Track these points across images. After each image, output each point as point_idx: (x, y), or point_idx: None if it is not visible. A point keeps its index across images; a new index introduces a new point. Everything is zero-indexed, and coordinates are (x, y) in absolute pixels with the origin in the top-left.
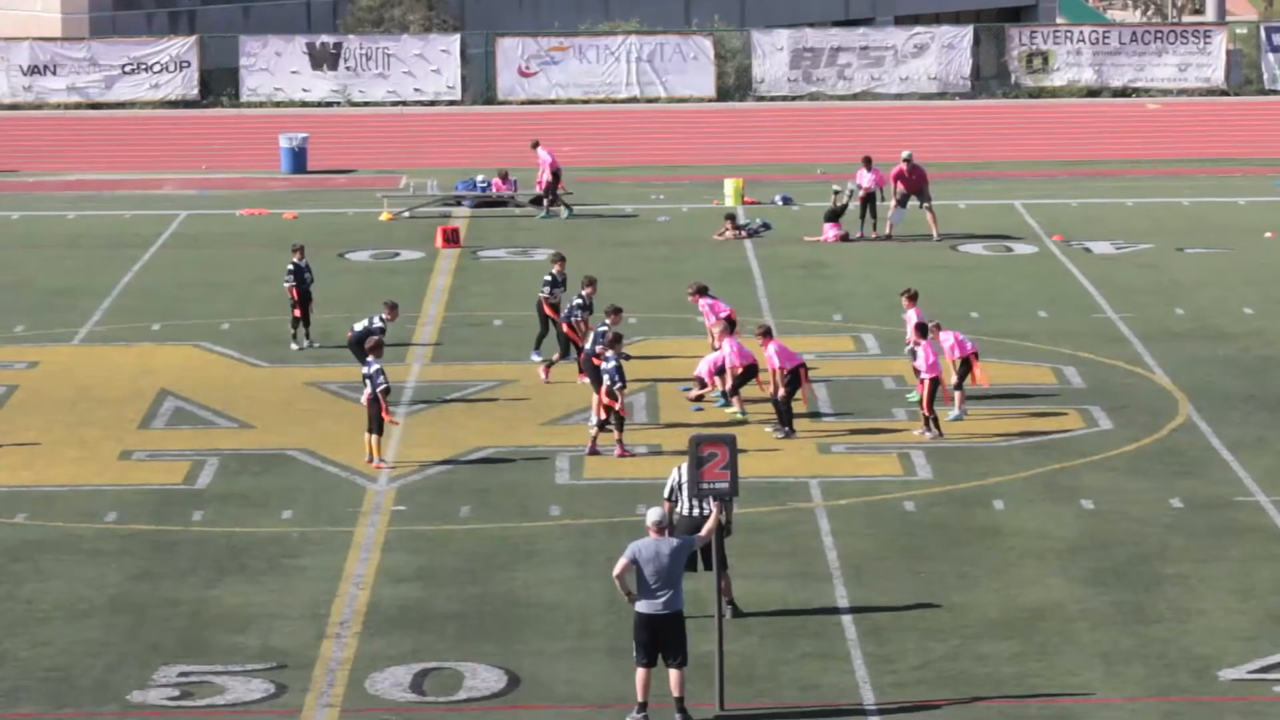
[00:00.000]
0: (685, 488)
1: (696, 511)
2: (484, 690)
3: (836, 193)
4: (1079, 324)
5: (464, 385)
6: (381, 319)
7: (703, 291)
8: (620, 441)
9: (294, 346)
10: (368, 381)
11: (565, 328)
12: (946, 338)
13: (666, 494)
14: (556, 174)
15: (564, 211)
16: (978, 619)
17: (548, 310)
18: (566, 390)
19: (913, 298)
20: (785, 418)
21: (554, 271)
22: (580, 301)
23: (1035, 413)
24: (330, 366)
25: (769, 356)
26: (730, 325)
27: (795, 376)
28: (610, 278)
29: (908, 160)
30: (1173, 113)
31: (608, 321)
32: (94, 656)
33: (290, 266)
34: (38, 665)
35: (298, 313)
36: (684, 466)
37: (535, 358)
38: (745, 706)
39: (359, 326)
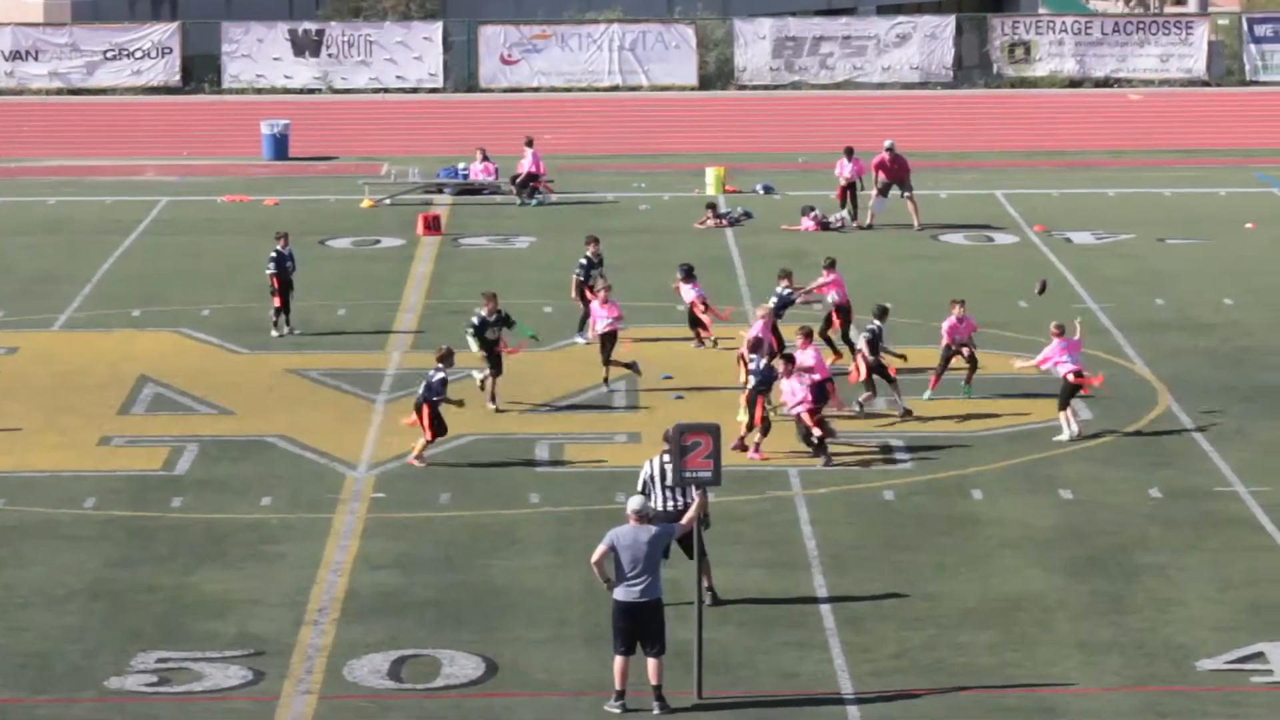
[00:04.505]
0: (658, 481)
1: (671, 505)
2: (462, 678)
3: (823, 217)
4: (1059, 314)
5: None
6: (480, 315)
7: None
8: (756, 444)
9: (274, 334)
10: (423, 384)
11: (575, 291)
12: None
13: (640, 488)
14: (534, 175)
15: (533, 201)
16: (956, 608)
17: (586, 293)
18: (548, 377)
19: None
20: (819, 448)
21: (589, 254)
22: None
23: (1015, 402)
24: (310, 353)
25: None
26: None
27: (822, 391)
28: None
29: (890, 150)
30: (1154, 103)
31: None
32: (72, 642)
33: (273, 254)
34: (15, 651)
35: (279, 301)
36: (656, 460)
37: (579, 340)
38: (723, 695)
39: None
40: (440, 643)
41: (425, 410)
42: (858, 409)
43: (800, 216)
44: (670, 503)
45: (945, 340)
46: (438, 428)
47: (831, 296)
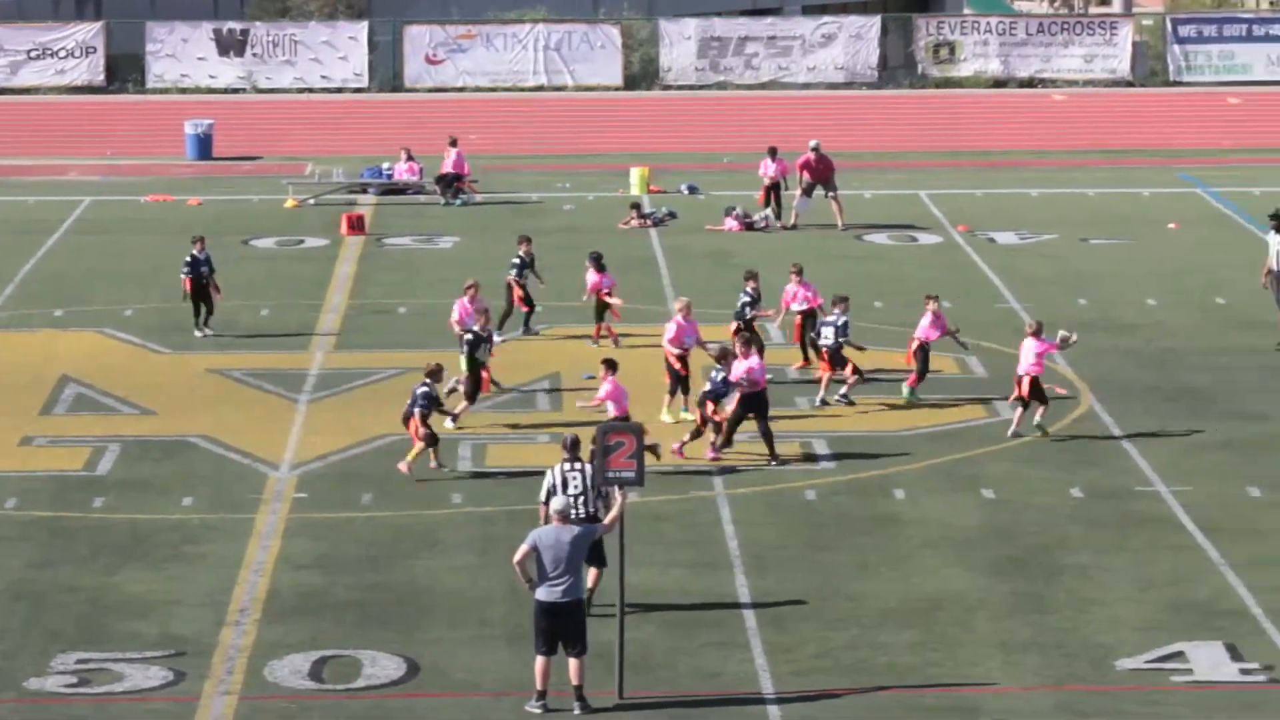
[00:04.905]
0: (560, 490)
1: (577, 513)
2: (383, 678)
3: (746, 216)
4: (982, 314)
5: (368, 373)
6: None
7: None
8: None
9: (197, 334)
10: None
11: (513, 289)
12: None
13: (543, 496)
14: (458, 175)
15: (457, 201)
16: (877, 608)
17: (516, 291)
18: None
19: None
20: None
21: (521, 253)
22: (519, 260)
23: (937, 402)
24: (233, 354)
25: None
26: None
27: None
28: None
29: (815, 150)
30: (1078, 104)
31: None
32: None
33: (188, 258)
34: None
35: (195, 304)
36: (558, 468)
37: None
38: (645, 695)
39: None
40: (362, 643)
41: (413, 421)
42: (843, 399)
43: (724, 216)
44: (572, 511)
45: (923, 338)
46: (428, 438)
47: (799, 305)
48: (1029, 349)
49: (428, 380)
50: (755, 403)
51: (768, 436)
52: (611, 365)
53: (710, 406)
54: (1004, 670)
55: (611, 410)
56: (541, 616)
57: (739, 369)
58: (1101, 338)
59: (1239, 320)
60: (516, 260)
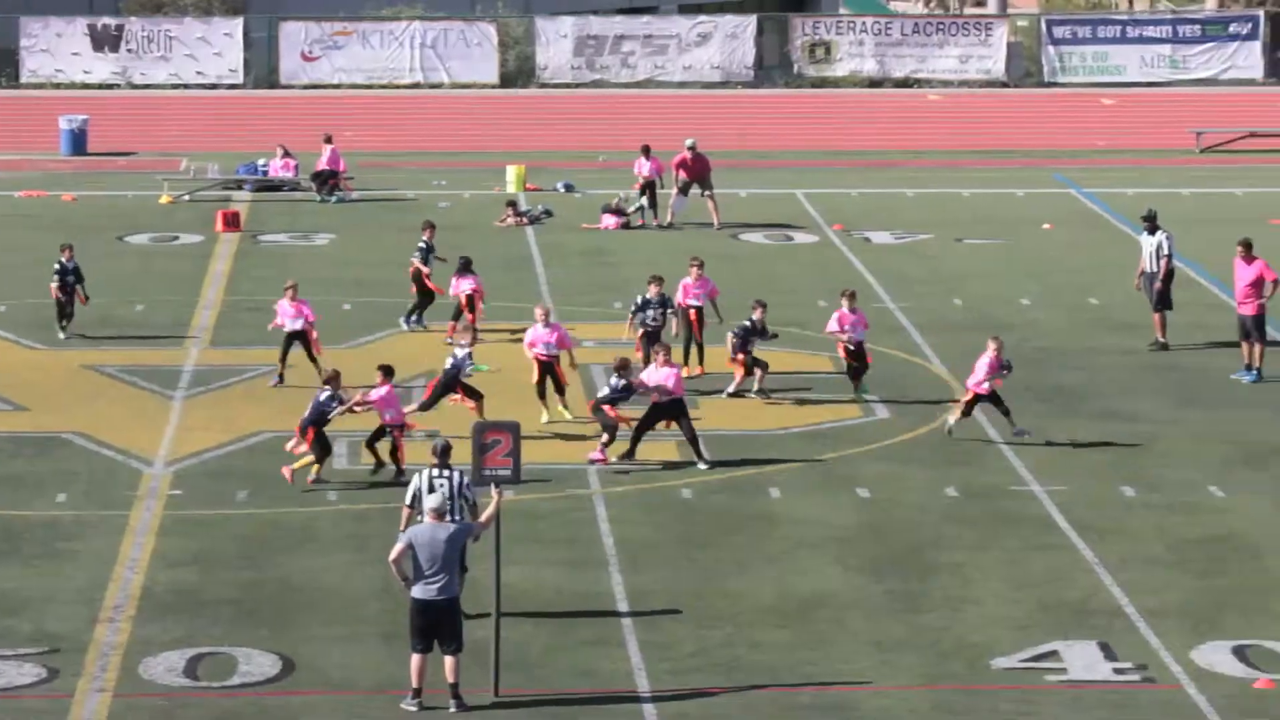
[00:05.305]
0: (425, 494)
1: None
2: (258, 675)
3: (624, 199)
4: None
5: (243, 370)
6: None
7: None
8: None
9: (61, 335)
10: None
11: (418, 276)
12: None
13: (409, 500)
14: (334, 173)
15: (333, 198)
16: (753, 607)
17: (424, 279)
18: (366, 371)
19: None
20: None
21: (425, 239)
22: (424, 246)
23: (813, 401)
24: (107, 350)
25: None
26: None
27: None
28: (389, 262)
29: (691, 148)
30: (954, 104)
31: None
32: None
33: (56, 265)
34: None
35: (61, 308)
36: (424, 473)
37: (404, 326)
38: (521, 693)
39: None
40: (237, 640)
41: (311, 432)
42: (759, 394)
43: (601, 214)
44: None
45: (837, 331)
46: (320, 450)
47: (697, 302)
48: (985, 365)
49: (327, 386)
50: (669, 411)
51: (693, 440)
52: (388, 371)
53: (609, 410)
54: (878, 669)
55: (386, 416)
56: (417, 614)
57: (656, 376)
58: (976, 337)
59: (1112, 321)
60: (421, 246)
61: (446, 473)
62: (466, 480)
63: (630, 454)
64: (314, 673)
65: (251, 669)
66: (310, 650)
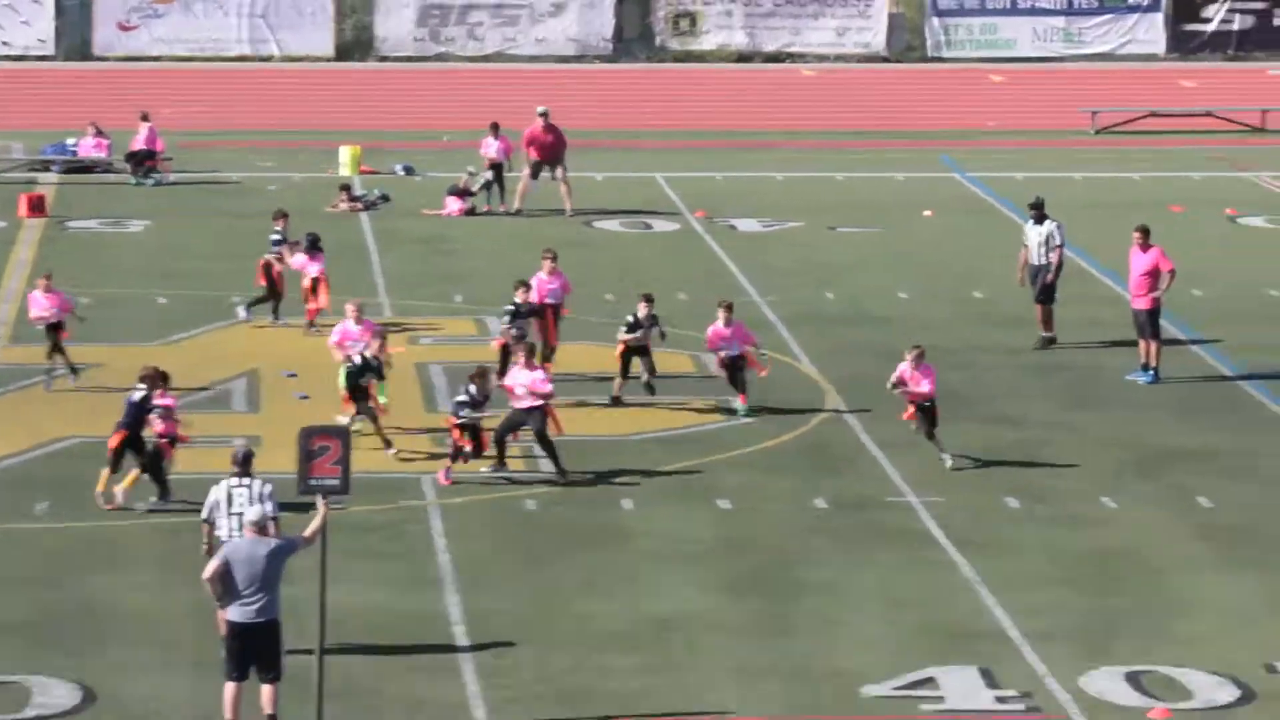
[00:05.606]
0: (224, 507)
1: (238, 534)
2: (55, 707)
3: (471, 174)
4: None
5: (46, 369)
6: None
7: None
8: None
9: None
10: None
11: (273, 268)
12: None
13: (204, 515)
14: (150, 153)
15: (149, 180)
16: (602, 629)
17: (274, 269)
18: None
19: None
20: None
21: (278, 229)
22: (278, 236)
23: (670, 404)
24: None
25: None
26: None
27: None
28: (210, 254)
29: (544, 116)
30: (829, 80)
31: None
32: None
33: None
34: None
35: None
36: (224, 484)
37: (242, 313)
38: None
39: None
40: (31, 668)
41: (123, 435)
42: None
43: (445, 197)
44: (235, 532)
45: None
46: (145, 462)
47: (553, 299)
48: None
49: (142, 385)
50: (533, 414)
51: (548, 448)
52: (164, 377)
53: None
54: (740, 698)
55: (158, 425)
56: (233, 638)
57: (523, 379)
58: (849, 334)
59: (996, 316)
60: (275, 237)
61: (246, 481)
62: (269, 490)
63: (500, 461)
64: (116, 704)
65: (48, 700)
66: (114, 680)
